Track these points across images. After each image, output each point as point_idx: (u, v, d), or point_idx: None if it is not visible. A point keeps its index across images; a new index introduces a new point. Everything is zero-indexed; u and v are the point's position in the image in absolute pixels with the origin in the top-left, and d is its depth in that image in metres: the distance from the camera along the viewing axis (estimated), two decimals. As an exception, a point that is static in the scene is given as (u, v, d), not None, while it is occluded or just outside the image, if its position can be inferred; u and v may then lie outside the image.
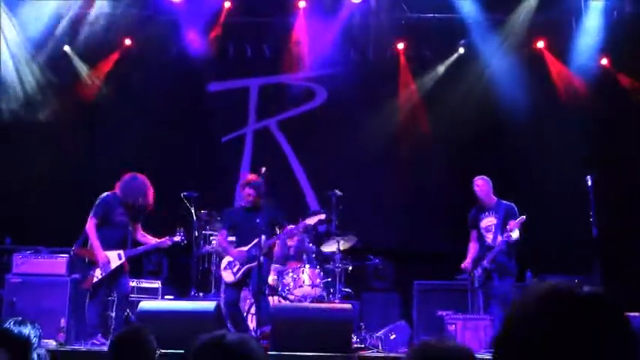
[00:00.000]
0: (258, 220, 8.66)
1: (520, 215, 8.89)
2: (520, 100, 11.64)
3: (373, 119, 12.50)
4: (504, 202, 9.26)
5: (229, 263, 8.95)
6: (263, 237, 8.59)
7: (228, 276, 8.97)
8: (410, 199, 12.27)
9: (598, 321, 1.44)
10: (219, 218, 10.11)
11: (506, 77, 11.95)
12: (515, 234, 8.78)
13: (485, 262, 9.02)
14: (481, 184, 9.24)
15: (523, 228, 8.81)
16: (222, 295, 9.48)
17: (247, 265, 8.75)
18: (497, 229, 9.11)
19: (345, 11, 12.15)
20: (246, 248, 8.81)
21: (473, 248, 9.31)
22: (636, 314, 7.77)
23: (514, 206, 9.16)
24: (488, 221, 9.24)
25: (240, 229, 9.07)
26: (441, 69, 12.69)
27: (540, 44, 12.21)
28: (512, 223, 8.75)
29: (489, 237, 9.19)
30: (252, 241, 8.72)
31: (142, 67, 12.47)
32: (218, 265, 9.78)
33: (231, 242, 9.17)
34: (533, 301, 1.50)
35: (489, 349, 8.67)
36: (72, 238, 9.04)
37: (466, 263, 9.25)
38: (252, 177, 9.12)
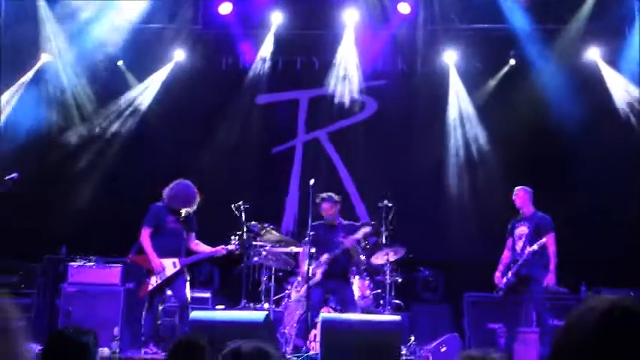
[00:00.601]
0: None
1: (551, 230, 9.21)
2: (574, 111, 11.50)
3: (423, 131, 12.53)
4: (540, 213, 9.46)
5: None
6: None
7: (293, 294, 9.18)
8: (460, 209, 12.21)
9: None
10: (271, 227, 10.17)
11: (560, 88, 11.82)
12: (535, 246, 8.99)
13: (510, 275, 9.27)
14: (520, 194, 9.54)
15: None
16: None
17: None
18: (527, 238, 9.35)
19: (394, 22, 12.18)
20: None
21: (505, 257, 9.60)
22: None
23: (548, 218, 9.38)
24: (521, 230, 9.50)
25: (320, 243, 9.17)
26: (493, 82, 12.58)
27: (594, 53, 12.08)
28: (539, 243, 8.98)
29: (519, 245, 9.43)
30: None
31: (192, 80, 12.64)
32: (269, 277, 9.87)
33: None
34: (591, 316, 1.48)
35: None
36: (125, 248, 9.21)
37: (496, 275, 9.46)
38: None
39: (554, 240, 9.26)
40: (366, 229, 9.48)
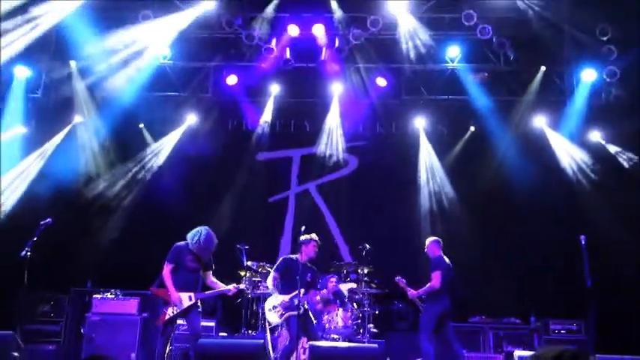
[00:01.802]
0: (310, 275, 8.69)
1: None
2: (526, 170, 11.54)
3: (397, 184, 12.56)
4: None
5: (274, 307, 8.85)
6: (302, 290, 8.51)
7: (273, 317, 8.84)
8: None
9: None
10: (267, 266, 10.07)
11: (513, 150, 11.90)
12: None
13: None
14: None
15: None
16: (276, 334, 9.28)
17: (289, 313, 8.68)
18: None
19: (373, 93, 12.25)
20: (287, 298, 8.73)
21: None
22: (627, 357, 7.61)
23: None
24: None
25: (291, 278, 8.86)
26: (457, 146, 12.65)
27: (540, 121, 12.15)
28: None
29: None
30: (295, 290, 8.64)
31: (202, 140, 12.67)
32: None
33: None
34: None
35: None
36: (141, 283, 9.09)
37: None
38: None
39: None
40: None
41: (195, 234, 8.47)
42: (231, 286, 8.61)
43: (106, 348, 8.95)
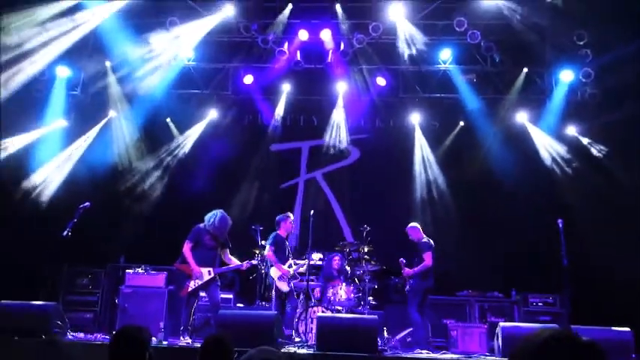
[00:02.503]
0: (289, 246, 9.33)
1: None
2: (510, 161, 11.52)
3: (395, 173, 12.57)
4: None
5: (280, 277, 9.03)
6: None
7: (283, 286, 9.07)
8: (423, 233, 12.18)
9: None
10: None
11: (498, 144, 11.88)
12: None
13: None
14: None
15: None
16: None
17: (293, 281, 9.16)
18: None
19: (374, 91, 12.24)
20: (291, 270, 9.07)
21: None
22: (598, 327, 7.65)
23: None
24: None
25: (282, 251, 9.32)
26: (448, 139, 12.59)
27: (522, 117, 12.13)
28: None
29: None
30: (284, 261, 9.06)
31: (222, 133, 12.69)
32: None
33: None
34: (531, 346, 1.42)
35: (484, 353, 8.57)
36: (168, 259, 9.16)
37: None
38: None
39: None
40: (305, 261, 9.69)
41: (211, 216, 8.60)
42: (245, 263, 8.77)
43: (138, 316, 9.03)
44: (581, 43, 10.80)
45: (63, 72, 11.58)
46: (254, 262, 9.05)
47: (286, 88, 12.46)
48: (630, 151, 10.95)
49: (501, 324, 8.14)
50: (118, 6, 10.97)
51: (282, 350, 7.28)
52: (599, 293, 9.91)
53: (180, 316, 8.57)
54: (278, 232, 9.41)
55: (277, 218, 9.59)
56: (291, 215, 9.50)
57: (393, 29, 11.31)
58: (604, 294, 9.93)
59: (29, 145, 11.29)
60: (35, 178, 11.30)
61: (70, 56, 11.27)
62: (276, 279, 9.10)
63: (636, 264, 10.14)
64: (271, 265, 9.20)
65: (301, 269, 9.41)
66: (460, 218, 11.69)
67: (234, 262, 8.80)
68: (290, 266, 9.29)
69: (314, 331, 8.29)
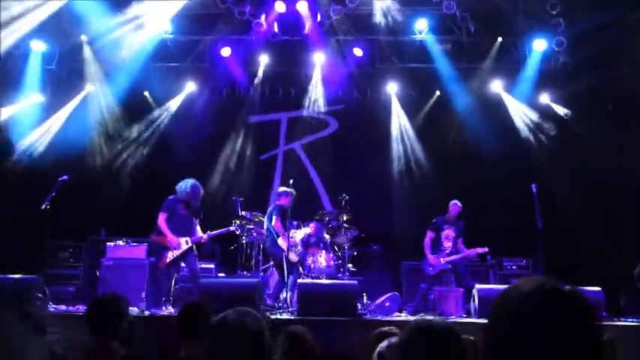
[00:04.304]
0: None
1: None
2: (485, 129, 11.50)
3: (373, 143, 12.48)
4: (460, 221, 9.75)
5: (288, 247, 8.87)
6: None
7: (293, 256, 8.96)
8: (401, 202, 12.15)
9: (577, 312, 1.29)
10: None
11: (474, 112, 11.83)
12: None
13: (444, 262, 9.60)
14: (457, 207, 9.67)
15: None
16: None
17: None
18: (453, 240, 9.67)
19: (351, 62, 12.08)
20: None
21: (428, 245, 9.70)
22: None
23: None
24: (448, 233, 9.72)
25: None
26: (425, 108, 12.49)
27: (497, 85, 12.07)
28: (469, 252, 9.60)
29: (447, 244, 9.67)
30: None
31: (200, 105, 12.46)
32: (258, 251, 9.78)
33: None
34: (516, 297, 1.32)
35: (461, 315, 8.62)
36: (148, 231, 9.02)
37: (431, 257, 9.65)
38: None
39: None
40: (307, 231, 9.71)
41: (183, 184, 8.51)
42: (225, 229, 8.71)
43: (119, 288, 8.86)
44: (554, 12, 10.77)
45: (38, 46, 11.21)
46: (232, 228, 9.00)
47: (264, 59, 12.23)
48: (599, 117, 11.03)
49: (477, 286, 8.20)
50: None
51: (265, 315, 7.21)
52: (570, 255, 10.00)
53: (161, 287, 8.46)
54: (281, 203, 9.14)
55: (280, 191, 9.31)
56: (293, 192, 9.13)
57: (369, 0, 11.11)
58: (575, 256, 10.04)
59: (5, 121, 10.96)
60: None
61: (44, 30, 10.90)
62: (286, 250, 8.83)
63: (604, 226, 10.26)
64: (278, 236, 8.91)
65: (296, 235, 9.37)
66: (437, 185, 11.67)
67: (200, 234, 8.63)
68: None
69: (295, 297, 8.24)
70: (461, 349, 2.07)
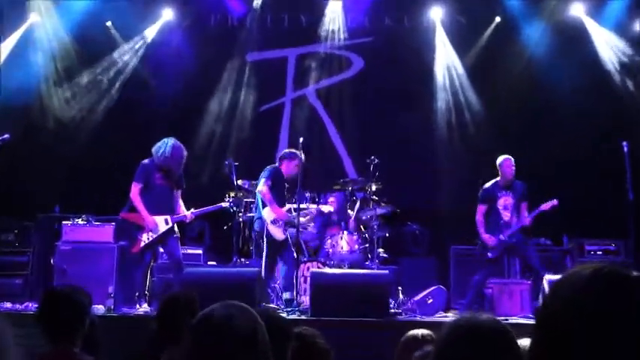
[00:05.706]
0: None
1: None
2: (561, 67, 11.45)
3: (410, 88, 12.47)
4: (519, 182, 9.43)
5: (275, 220, 8.83)
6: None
7: (277, 232, 8.82)
8: (448, 167, 12.20)
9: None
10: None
11: (546, 44, 11.77)
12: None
13: (504, 238, 9.23)
14: (512, 165, 9.35)
15: None
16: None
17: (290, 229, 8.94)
18: (512, 207, 9.34)
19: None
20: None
21: (481, 222, 9.43)
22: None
23: (525, 186, 9.44)
24: (505, 200, 9.38)
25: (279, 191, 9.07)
26: (480, 41, 12.44)
27: (578, 9, 11.97)
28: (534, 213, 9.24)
29: (507, 214, 9.36)
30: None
31: (180, 38, 12.51)
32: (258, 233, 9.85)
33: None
34: (575, 282, 1.48)
35: (526, 315, 8.72)
36: (116, 207, 9.15)
37: (486, 237, 9.36)
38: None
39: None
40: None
41: (161, 145, 8.47)
42: (217, 205, 8.79)
43: (80, 280, 9.02)
44: None
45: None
46: (225, 204, 9.11)
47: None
48: None
49: (548, 277, 8.24)
50: None
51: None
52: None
53: (134, 278, 8.62)
54: (279, 166, 9.12)
55: (282, 153, 9.31)
56: (300, 155, 9.03)
57: None
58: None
59: None
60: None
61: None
62: (268, 222, 8.77)
63: None
64: (264, 206, 8.87)
65: (303, 218, 9.29)
66: (495, 145, 11.65)
67: (184, 211, 8.70)
68: (289, 211, 9.08)
69: (307, 292, 8.39)
70: (518, 359, 2.01)
